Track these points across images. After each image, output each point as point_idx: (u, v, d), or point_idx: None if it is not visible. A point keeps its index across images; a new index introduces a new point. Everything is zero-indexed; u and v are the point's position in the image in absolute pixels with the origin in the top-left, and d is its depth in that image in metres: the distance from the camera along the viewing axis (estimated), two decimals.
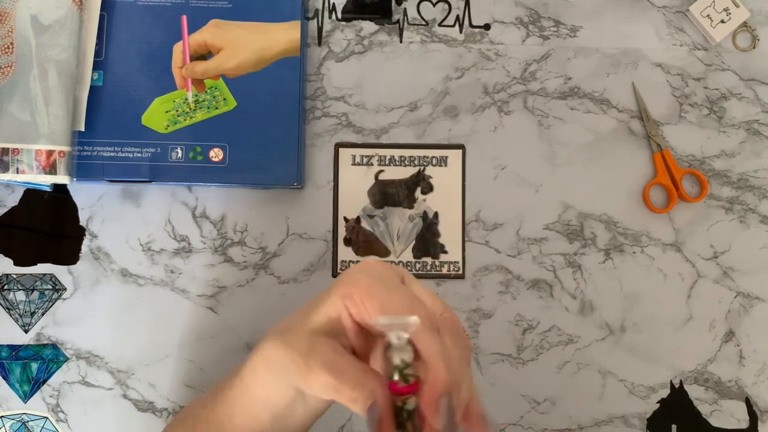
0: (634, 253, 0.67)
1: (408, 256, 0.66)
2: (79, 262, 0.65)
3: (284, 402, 0.45)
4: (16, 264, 0.65)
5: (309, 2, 0.69)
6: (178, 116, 0.64)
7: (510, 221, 0.67)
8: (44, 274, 0.65)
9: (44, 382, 0.64)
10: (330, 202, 0.67)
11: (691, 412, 0.65)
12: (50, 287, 0.65)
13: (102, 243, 0.66)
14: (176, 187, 0.66)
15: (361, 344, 0.44)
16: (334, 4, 0.69)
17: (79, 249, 0.66)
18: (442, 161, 0.67)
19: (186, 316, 0.65)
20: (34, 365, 0.64)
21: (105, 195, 0.66)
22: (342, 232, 0.66)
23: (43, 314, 0.65)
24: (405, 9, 0.69)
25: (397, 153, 0.67)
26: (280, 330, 0.45)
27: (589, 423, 0.65)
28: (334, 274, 0.66)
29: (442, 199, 0.67)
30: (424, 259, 0.66)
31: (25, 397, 0.64)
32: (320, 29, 0.68)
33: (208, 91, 0.65)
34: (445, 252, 0.66)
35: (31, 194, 0.66)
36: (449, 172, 0.67)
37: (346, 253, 0.66)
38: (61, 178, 0.61)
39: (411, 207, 0.67)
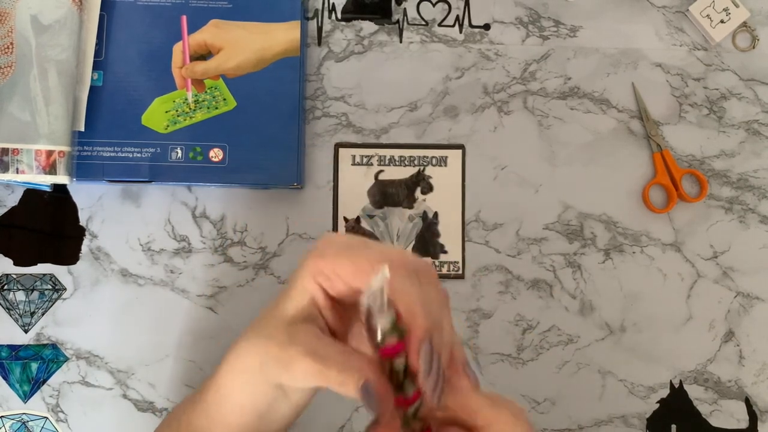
0: (633, 253, 0.67)
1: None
2: (79, 262, 0.65)
3: (265, 402, 0.45)
4: (16, 264, 0.65)
5: (309, 2, 0.69)
6: (178, 116, 0.65)
7: (510, 221, 0.67)
8: (44, 274, 0.65)
9: (44, 382, 0.64)
10: (330, 202, 0.67)
11: (691, 412, 0.65)
12: (50, 287, 0.65)
13: (102, 243, 0.66)
14: (176, 187, 0.66)
15: (339, 323, 0.43)
16: (334, 4, 0.69)
17: (79, 249, 0.66)
18: (442, 161, 0.67)
19: (186, 316, 0.65)
20: (34, 365, 0.64)
21: (105, 195, 0.66)
22: (342, 232, 0.66)
23: (43, 314, 0.65)
24: (405, 9, 0.69)
25: (397, 153, 0.67)
26: (254, 328, 0.44)
27: (589, 423, 0.65)
28: None
29: (442, 199, 0.67)
30: (424, 259, 0.66)
31: (25, 397, 0.64)
32: (320, 29, 0.69)
33: (208, 91, 0.65)
34: (445, 252, 0.66)
35: (31, 194, 0.66)
36: (449, 172, 0.67)
37: None
38: (61, 178, 0.61)
39: (411, 207, 0.67)
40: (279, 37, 0.66)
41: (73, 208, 0.66)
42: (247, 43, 0.65)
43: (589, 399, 0.65)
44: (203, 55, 0.65)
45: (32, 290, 0.65)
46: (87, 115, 0.63)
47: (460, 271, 0.66)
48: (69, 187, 0.66)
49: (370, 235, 0.66)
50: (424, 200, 0.67)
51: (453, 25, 0.69)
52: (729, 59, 0.69)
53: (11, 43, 0.61)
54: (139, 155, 0.64)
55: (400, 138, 0.68)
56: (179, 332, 0.65)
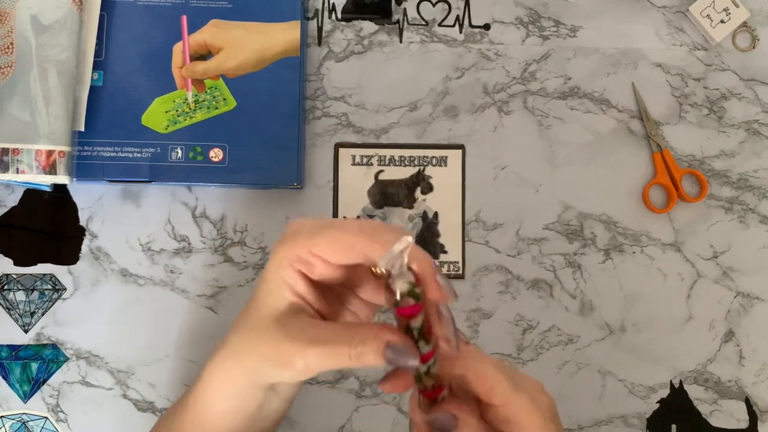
0: (633, 253, 0.67)
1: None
2: (79, 262, 0.65)
3: (255, 405, 0.44)
4: (16, 264, 0.65)
5: (309, 2, 0.69)
6: (178, 116, 0.64)
7: (510, 221, 0.67)
8: (44, 274, 0.65)
9: (44, 382, 0.64)
10: (330, 202, 0.67)
11: (691, 412, 0.65)
12: (50, 287, 0.65)
13: (102, 243, 0.66)
14: (176, 187, 0.66)
15: (327, 307, 0.43)
16: (334, 4, 0.69)
17: (79, 249, 0.66)
18: (442, 161, 0.67)
19: (186, 316, 0.65)
20: (34, 365, 0.64)
21: (105, 195, 0.66)
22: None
23: (43, 314, 0.65)
24: (405, 9, 0.69)
25: (397, 153, 0.67)
26: (234, 340, 0.43)
27: (589, 423, 0.65)
28: None
29: (442, 199, 0.67)
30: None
31: (25, 397, 0.64)
32: (320, 29, 0.69)
33: (208, 91, 0.65)
34: (445, 252, 0.66)
35: (31, 194, 0.66)
36: (449, 172, 0.67)
37: None
38: (61, 178, 0.61)
39: (411, 207, 0.67)
40: (279, 37, 0.66)
41: (73, 208, 0.66)
42: (247, 43, 0.65)
43: (589, 399, 0.65)
44: (203, 55, 0.65)
45: (32, 290, 0.65)
46: (87, 115, 0.63)
47: (460, 271, 0.66)
48: (69, 187, 0.66)
49: None
50: (424, 200, 0.67)
51: (453, 25, 0.69)
52: (729, 59, 0.69)
53: (11, 43, 0.61)
54: (139, 155, 0.64)
55: (400, 138, 0.68)
56: (179, 332, 0.65)
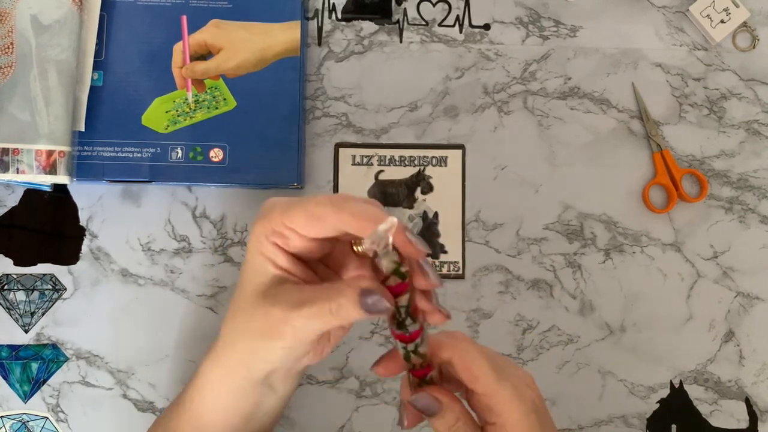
0: (634, 253, 0.67)
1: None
2: (79, 262, 0.65)
3: (252, 401, 0.44)
4: (16, 264, 0.65)
5: (309, 2, 0.69)
6: (178, 116, 0.65)
7: (510, 221, 0.67)
8: (44, 274, 0.65)
9: (44, 382, 0.64)
10: None
11: (691, 412, 0.65)
12: (50, 287, 0.65)
13: (102, 243, 0.66)
14: (176, 187, 0.66)
15: (307, 275, 0.43)
16: (334, 4, 0.69)
17: (79, 249, 0.66)
18: (442, 161, 0.67)
19: (186, 316, 0.65)
20: (34, 365, 0.64)
21: (105, 195, 0.66)
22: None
23: (43, 314, 0.65)
24: (405, 9, 0.69)
25: (397, 153, 0.67)
26: (225, 333, 0.44)
27: (589, 423, 0.65)
28: None
29: (442, 199, 0.67)
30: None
31: (25, 397, 0.64)
32: (320, 29, 0.69)
33: (208, 91, 0.65)
34: (445, 252, 0.66)
35: (31, 194, 0.66)
36: (449, 172, 0.67)
37: None
38: (61, 178, 0.61)
39: (411, 207, 0.67)
40: (279, 37, 0.66)
41: (73, 208, 0.66)
42: (247, 43, 0.65)
43: (589, 399, 0.65)
44: (203, 55, 0.65)
45: (32, 290, 0.65)
46: (87, 115, 0.63)
47: (460, 271, 0.66)
48: (69, 187, 0.66)
49: None
50: (424, 200, 0.67)
51: (453, 25, 0.69)
52: (729, 59, 0.69)
53: (11, 43, 0.61)
54: (139, 155, 0.64)
55: (400, 138, 0.68)
56: (179, 332, 0.65)
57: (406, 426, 0.42)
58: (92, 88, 0.64)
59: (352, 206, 0.40)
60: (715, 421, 0.65)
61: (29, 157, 0.60)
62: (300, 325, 0.40)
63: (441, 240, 0.67)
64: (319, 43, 0.68)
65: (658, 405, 0.66)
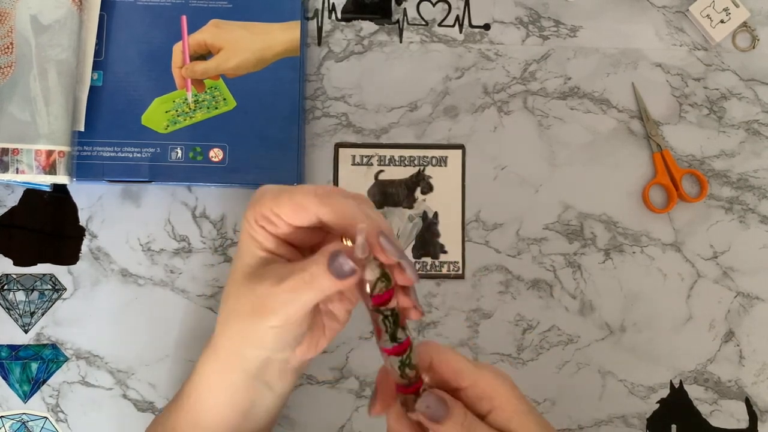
0: (634, 253, 0.67)
1: (408, 255, 0.66)
2: (79, 262, 0.65)
3: (249, 398, 0.45)
4: (15, 264, 0.65)
5: (309, 2, 0.69)
6: (178, 116, 0.64)
7: (510, 221, 0.67)
8: (44, 274, 0.65)
9: (44, 382, 0.64)
10: None
11: (691, 412, 0.65)
12: (50, 287, 0.65)
13: (102, 243, 0.66)
14: (176, 187, 0.66)
15: (295, 257, 0.44)
16: (334, 4, 0.69)
17: (79, 249, 0.65)
18: (442, 161, 0.67)
19: (186, 316, 0.65)
20: (33, 365, 0.64)
21: (105, 195, 0.66)
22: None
23: (42, 314, 0.65)
24: (405, 9, 0.69)
25: (397, 153, 0.67)
26: (220, 318, 0.45)
27: (589, 423, 0.65)
28: None
29: (442, 199, 0.67)
30: (424, 259, 0.66)
31: (25, 397, 0.64)
32: (320, 29, 0.69)
33: (208, 91, 0.65)
34: (445, 252, 0.66)
35: (31, 194, 0.66)
36: (449, 172, 0.67)
37: None
38: (61, 178, 0.61)
39: (411, 207, 0.67)
40: (279, 37, 0.66)
41: (73, 208, 0.66)
42: (247, 43, 0.65)
43: (589, 399, 0.65)
44: (203, 55, 0.65)
45: (32, 290, 0.65)
46: (87, 115, 0.63)
47: (460, 271, 0.66)
48: (69, 187, 0.66)
49: None
50: (424, 200, 0.67)
51: (453, 25, 0.69)
52: (729, 59, 0.69)
53: (11, 43, 0.61)
54: (139, 155, 0.64)
55: (400, 138, 0.68)
56: (179, 332, 0.65)
57: (377, 410, 0.42)
58: (92, 88, 0.64)
59: (336, 202, 0.41)
60: (715, 421, 0.65)
61: (29, 157, 0.60)
62: (285, 299, 0.41)
63: (441, 240, 0.67)
64: (319, 43, 0.68)
65: (658, 405, 0.66)
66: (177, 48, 0.65)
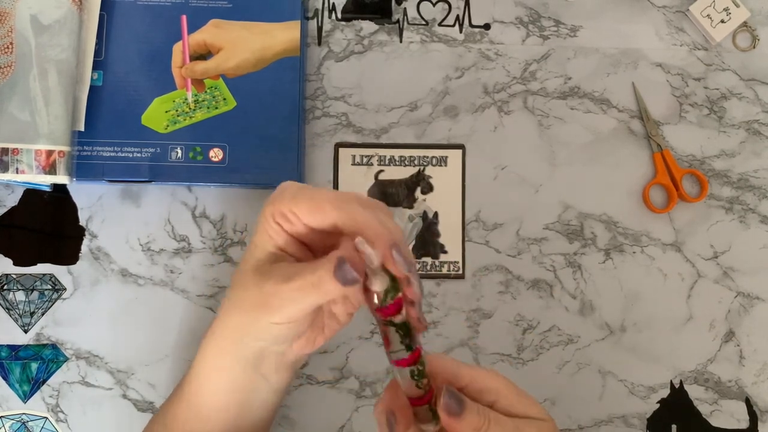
0: (634, 253, 0.67)
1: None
2: (78, 262, 0.65)
3: (246, 387, 0.45)
4: (15, 264, 0.65)
5: (309, 2, 0.69)
6: (178, 116, 0.64)
7: (510, 221, 0.67)
8: (44, 274, 0.65)
9: (44, 382, 0.64)
10: None
11: (691, 412, 0.65)
12: (50, 287, 0.65)
13: (102, 243, 0.66)
14: (176, 187, 0.66)
15: (306, 257, 0.45)
16: (334, 3, 0.69)
17: (79, 249, 0.65)
18: (442, 161, 0.67)
19: (186, 316, 0.65)
20: (33, 365, 0.64)
21: (105, 195, 0.66)
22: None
23: (42, 314, 0.65)
24: (405, 9, 0.69)
25: (397, 153, 0.67)
26: (222, 306, 0.46)
27: (589, 423, 0.65)
28: None
29: (442, 199, 0.67)
30: (424, 259, 0.66)
31: (25, 397, 0.64)
32: (320, 29, 0.68)
33: (208, 91, 0.65)
34: (445, 252, 0.66)
35: (31, 194, 0.66)
36: (449, 172, 0.67)
37: None
38: (61, 178, 0.61)
39: (411, 207, 0.67)
40: (279, 36, 0.66)
41: (73, 208, 0.66)
42: (247, 43, 0.65)
43: (589, 399, 0.65)
44: (203, 54, 0.65)
45: (32, 290, 0.65)
46: (87, 115, 0.63)
47: (460, 271, 0.66)
48: (69, 187, 0.66)
49: None
50: (424, 200, 0.67)
51: (453, 25, 0.69)
52: (729, 59, 0.69)
53: (11, 43, 0.61)
54: (139, 155, 0.64)
55: (400, 138, 0.68)
56: (179, 332, 0.65)
57: None
58: (92, 88, 0.64)
59: (353, 209, 0.41)
60: (715, 421, 0.65)
61: (29, 156, 0.60)
62: (288, 298, 0.41)
63: (441, 240, 0.66)
64: (319, 43, 0.68)
65: (658, 405, 0.66)
66: (177, 48, 0.65)
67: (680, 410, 0.65)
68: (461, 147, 0.68)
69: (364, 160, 0.67)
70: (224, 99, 0.65)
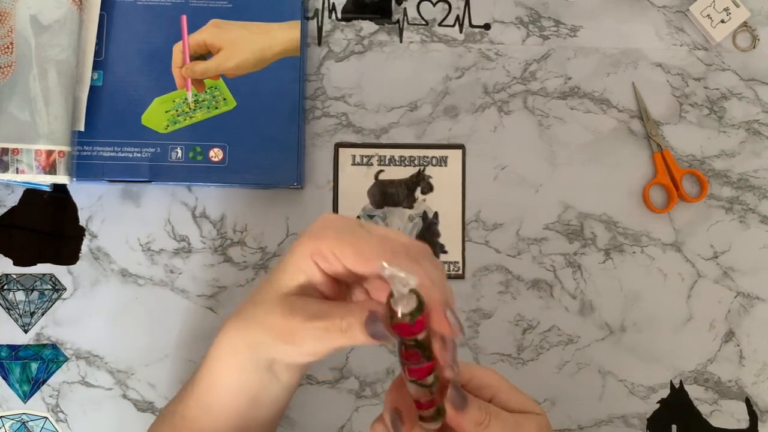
0: (634, 253, 0.67)
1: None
2: (78, 262, 0.65)
3: (257, 385, 0.45)
4: (15, 264, 0.65)
5: (309, 2, 0.69)
6: (178, 116, 0.64)
7: (510, 221, 0.67)
8: (44, 274, 0.65)
9: (44, 382, 0.64)
10: (330, 202, 0.67)
11: (691, 412, 0.65)
12: (50, 287, 0.65)
13: (102, 243, 0.66)
14: (176, 187, 0.66)
15: (335, 294, 0.44)
16: (334, 4, 0.69)
17: (79, 249, 0.65)
18: (442, 161, 0.67)
19: (186, 316, 0.65)
20: (33, 365, 0.64)
21: (105, 195, 0.66)
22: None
23: (42, 314, 0.65)
24: (405, 9, 0.69)
25: (397, 153, 0.67)
26: (242, 310, 0.45)
27: (589, 423, 0.65)
28: None
29: (442, 199, 0.67)
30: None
31: (25, 397, 0.64)
32: (320, 29, 0.68)
33: (208, 91, 0.65)
34: (445, 252, 0.66)
35: (31, 194, 0.66)
36: (449, 172, 0.67)
37: None
38: (61, 178, 0.61)
39: (411, 207, 0.67)
40: (279, 36, 0.66)
41: (73, 208, 0.66)
42: (247, 43, 0.65)
43: (590, 399, 0.65)
44: (203, 54, 0.65)
45: (32, 290, 0.65)
46: (87, 115, 0.63)
47: (460, 271, 0.66)
48: (69, 187, 0.66)
49: None
50: (424, 200, 0.67)
51: (453, 25, 0.69)
52: (729, 59, 0.69)
53: (11, 43, 0.61)
54: (139, 155, 0.64)
55: (400, 138, 0.68)
56: (179, 332, 0.65)
57: None
58: (92, 88, 0.64)
59: (402, 260, 0.40)
60: (715, 422, 0.65)
61: (29, 156, 0.60)
62: (311, 337, 0.41)
63: (441, 240, 0.66)
64: (319, 43, 0.68)
65: (658, 405, 0.66)
66: (177, 48, 0.65)
67: (680, 410, 0.65)
68: (461, 147, 0.68)
69: (364, 160, 0.67)
70: (224, 99, 0.65)
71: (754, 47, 0.69)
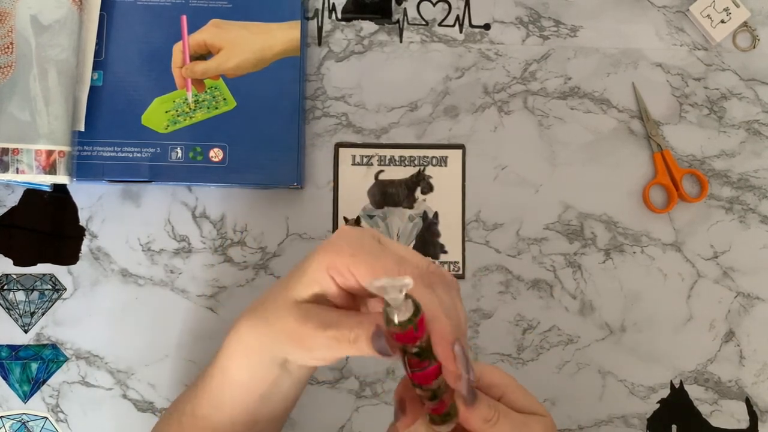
0: (634, 253, 0.67)
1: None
2: (78, 262, 0.65)
3: (268, 381, 0.45)
4: (16, 264, 0.65)
5: (309, 2, 0.69)
6: (178, 116, 0.64)
7: (510, 221, 0.67)
8: (44, 274, 0.65)
9: (44, 382, 0.64)
10: (330, 203, 0.67)
11: (691, 412, 0.65)
12: (50, 287, 0.65)
13: (102, 243, 0.66)
14: (176, 187, 0.66)
15: (348, 304, 0.45)
16: (334, 4, 0.69)
17: (79, 249, 0.65)
18: (442, 161, 0.67)
19: (186, 316, 0.65)
20: (33, 365, 0.64)
21: (105, 195, 0.66)
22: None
23: (42, 314, 0.65)
24: (405, 9, 0.69)
25: (397, 153, 0.67)
26: (255, 310, 0.45)
27: (589, 423, 0.65)
28: None
29: (442, 199, 0.67)
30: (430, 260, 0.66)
31: (25, 397, 0.64)
32: (320, 29, 0.68)
33: (208, 91, 0.65)
34: (445, 252, 0.66)
35: (31, 194, 0.66)
36: (449, 172, 0.67)
37: None
38: (61, 178, 0.61)
39: (411, 207, 0.67)
40: (279, 36, 0.66)
41: (73, 208, 0.66)
42: (247, 43, 0.65)
43: (590, 399, 0.65)
44: (203, 55, 0.65)
45: (32, 290, 0.65)
46: (87, 115, 0.63)
47: (460, 271, 0.66)
48: (69, 187, 0.66)
49: None
50: (424, 200, 0.67)
51: (453, 25, 0.69)
52: (729, 59, 0.69)
53: (11, 43, 0.61)
54: (139, 155, 0.64)
55: (400, 138, 0.68)
56: (179, 332, 0.65)
57: (406, 422, 0.43)
58: (92, 88, 0.64)
59: (417, 291, 0.40)
60: (715, 422, 0.65)
61: (29, 157, 0.60)
62: (322, 344, 0.41)
63: (441, 240, 0.66)
64: (319, 43, 0.68)
65: (658, 405, 0.66)
66: (177, 48, 0.65)
67: (680, 410, 0.65)
68: (461, 147, 0.68)
69: (364, 160, 0.67)
70: (224, 99, 0.65)
71: (754, 47, 0.69)
